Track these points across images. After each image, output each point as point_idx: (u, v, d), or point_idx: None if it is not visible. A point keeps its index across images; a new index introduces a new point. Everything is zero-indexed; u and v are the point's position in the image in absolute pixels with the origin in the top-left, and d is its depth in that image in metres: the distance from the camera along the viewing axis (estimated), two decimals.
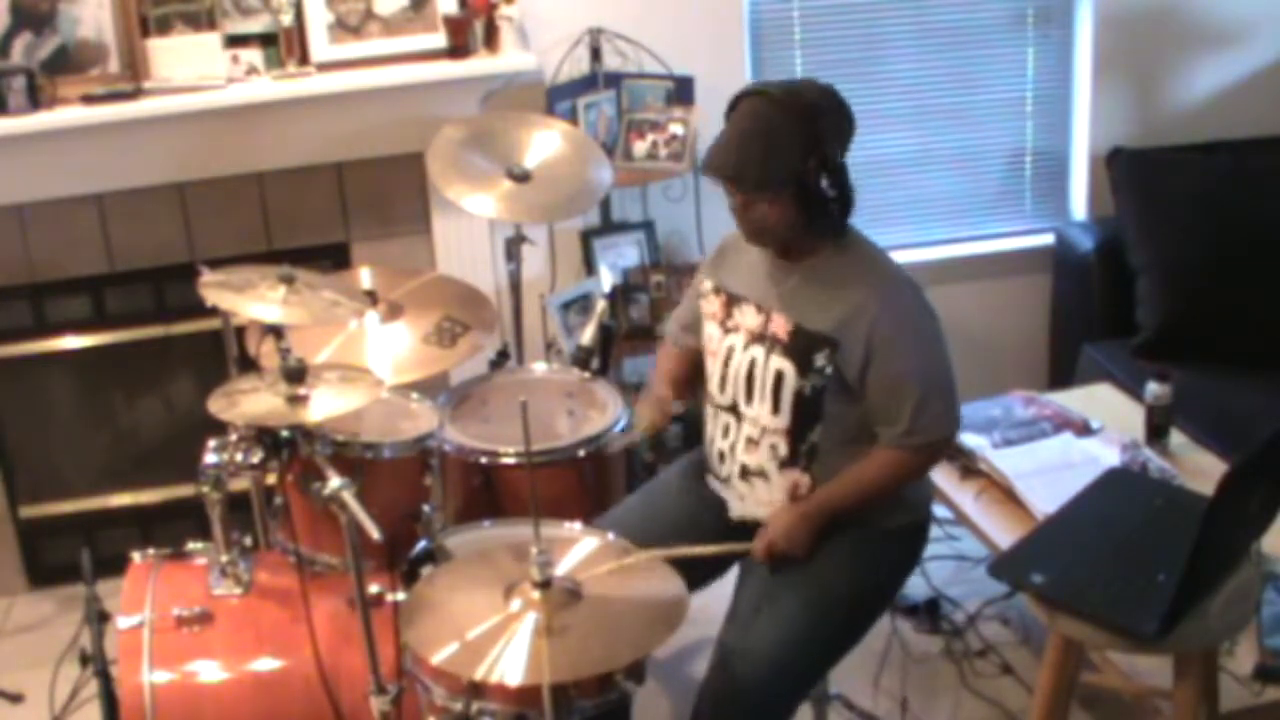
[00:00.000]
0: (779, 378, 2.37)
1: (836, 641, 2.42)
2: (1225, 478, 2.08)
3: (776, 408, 2.39)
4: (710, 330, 2.52)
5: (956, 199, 4.13)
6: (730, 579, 2.50)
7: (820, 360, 2.34)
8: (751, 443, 2.45)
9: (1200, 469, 2.85)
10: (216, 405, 2.31)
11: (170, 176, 3.46)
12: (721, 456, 2.52)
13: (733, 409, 2.48)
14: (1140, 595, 2.22)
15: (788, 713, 2.38)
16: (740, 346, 2.44)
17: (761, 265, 2.45)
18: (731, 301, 2.48)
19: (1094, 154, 4.00)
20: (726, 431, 2.50)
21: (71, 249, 3.48)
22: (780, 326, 2.38)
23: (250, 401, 2.32)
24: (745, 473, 2.47)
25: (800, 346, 2.35)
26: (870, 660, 3.13)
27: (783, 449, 2.41)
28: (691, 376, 2.67)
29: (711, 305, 2.52)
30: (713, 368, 2.51)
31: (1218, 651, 2.45)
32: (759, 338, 2.41)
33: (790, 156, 2.26)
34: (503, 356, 3.28)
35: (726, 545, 2.42)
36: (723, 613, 2.43)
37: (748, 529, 2.45)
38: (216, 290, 2.53)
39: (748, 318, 2.44)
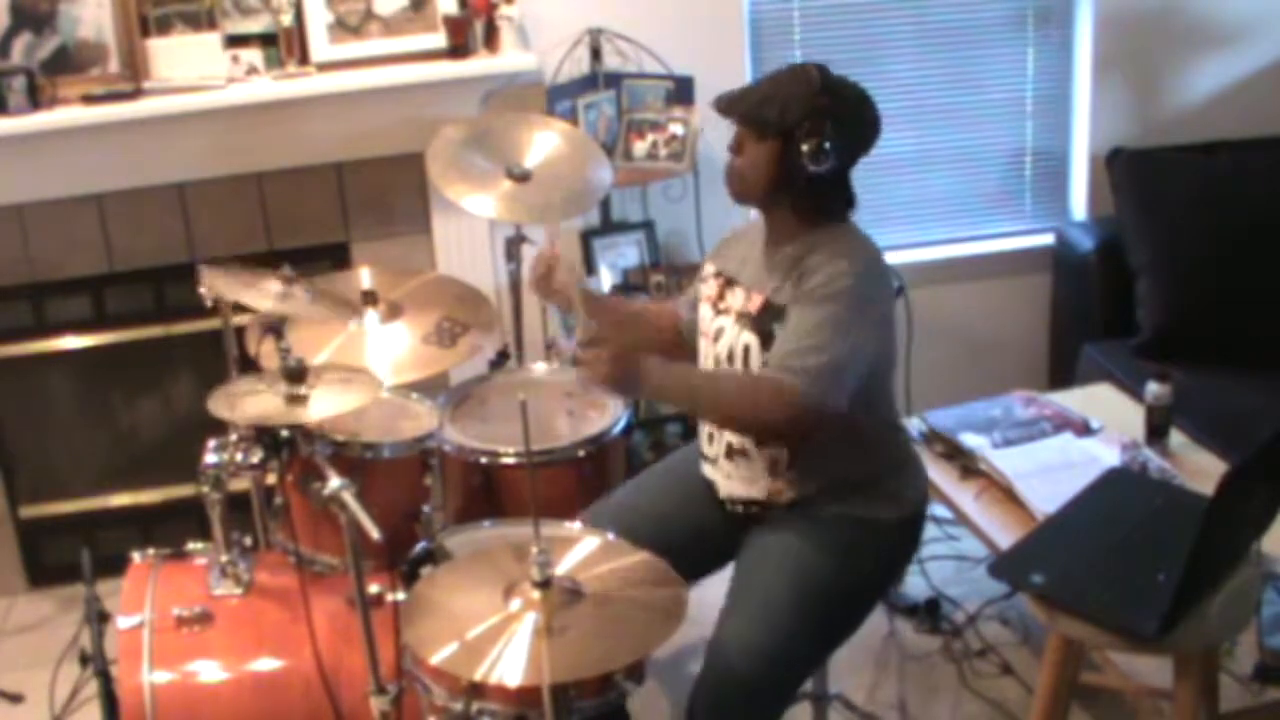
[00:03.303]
0: (746, 352, 2.40)
1: (828, 634, 2.42)
2: (1225, 478, 2.08)
3: None
4: (704, 312, 2.55)
5: (956, 199, 4.12)
6: (728, 577, 2.50)
7: (778, 330, 2.35)
8: None
9: (1200, 469, 2.85)
10: (216, 405, 2.31)
11: (170, 176, 3.46)
12: (710, 437, 2.53)
13: None
14: (1140, 595, 2.22)
15: (781, 706, 2.38)
16: (729, 327, 2.46)
17: (758, 251, 2.48)
18: (727, 284, 2.51)
19: (1094, 154, 4.00)
20: None
21: (71, 249, 3.48)
22: (754, 303, 2.41)
23: (250, 401, 2.32)
24: (730, 451, 2.48)
25: (764, 319, 2.38)
26: (870, 660, 3.13)
27: None
28: (663, 336, 2.68)
29: (710, 288, 2.55)
30: (705, 348, 2.53)
31: (1218, 651, 2.46)
32: (742, 316, 2.44)
33: (786, 111, 2.32)
34: (503, 356, 3.29)
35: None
36: None
37: (737, 509, 2.48)
38: (216, 279, 2.53)
39: (737, 299, 2.46)
